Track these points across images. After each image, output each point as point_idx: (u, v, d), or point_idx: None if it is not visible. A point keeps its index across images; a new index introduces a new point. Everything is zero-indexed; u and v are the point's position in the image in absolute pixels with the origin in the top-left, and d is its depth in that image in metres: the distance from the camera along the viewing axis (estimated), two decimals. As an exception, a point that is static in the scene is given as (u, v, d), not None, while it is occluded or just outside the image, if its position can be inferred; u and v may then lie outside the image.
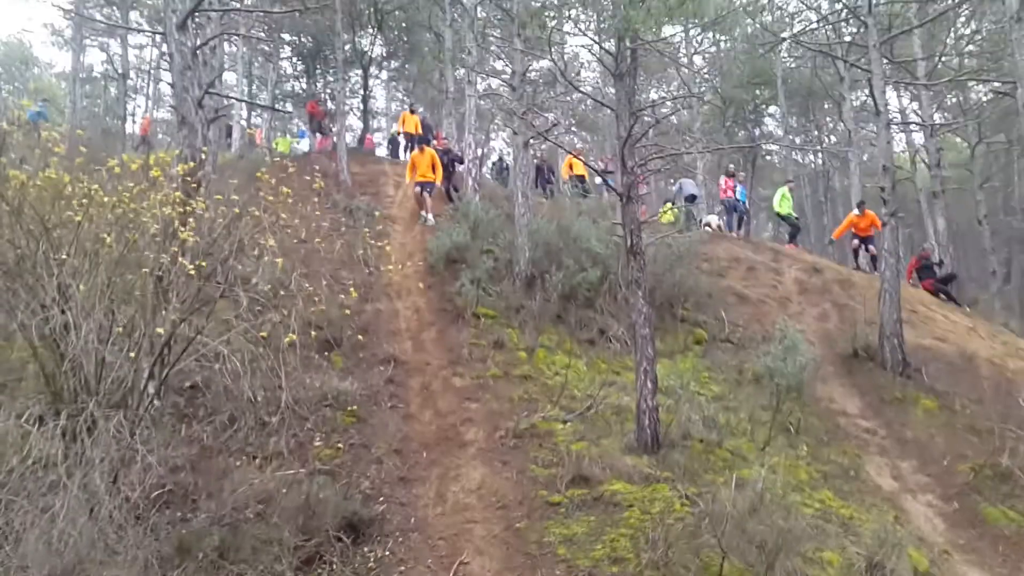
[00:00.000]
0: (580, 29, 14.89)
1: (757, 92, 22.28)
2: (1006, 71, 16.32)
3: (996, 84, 17.30)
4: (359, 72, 22.28)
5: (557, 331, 9.67)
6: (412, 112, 20.13)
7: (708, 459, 6.71)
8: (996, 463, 7.19)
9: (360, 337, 8.55)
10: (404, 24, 22.19)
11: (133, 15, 25.57)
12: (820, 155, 28.69)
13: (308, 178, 7.98)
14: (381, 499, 5.96)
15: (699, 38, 25.27)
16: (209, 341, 6.01)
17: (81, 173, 5.42)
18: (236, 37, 22.03)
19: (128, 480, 5.02)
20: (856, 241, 14.80)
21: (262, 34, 22.95)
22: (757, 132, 24.79)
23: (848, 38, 15.60)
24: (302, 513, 5.32)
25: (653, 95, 27.86)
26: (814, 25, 18.36)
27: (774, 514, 5.00)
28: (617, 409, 7.57)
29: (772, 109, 25.27)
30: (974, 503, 6.73)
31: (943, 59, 17.54)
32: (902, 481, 7.19)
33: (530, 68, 16.79)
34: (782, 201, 16.34)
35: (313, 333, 6.64)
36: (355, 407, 7.25)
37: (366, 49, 22.04)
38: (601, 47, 8.14)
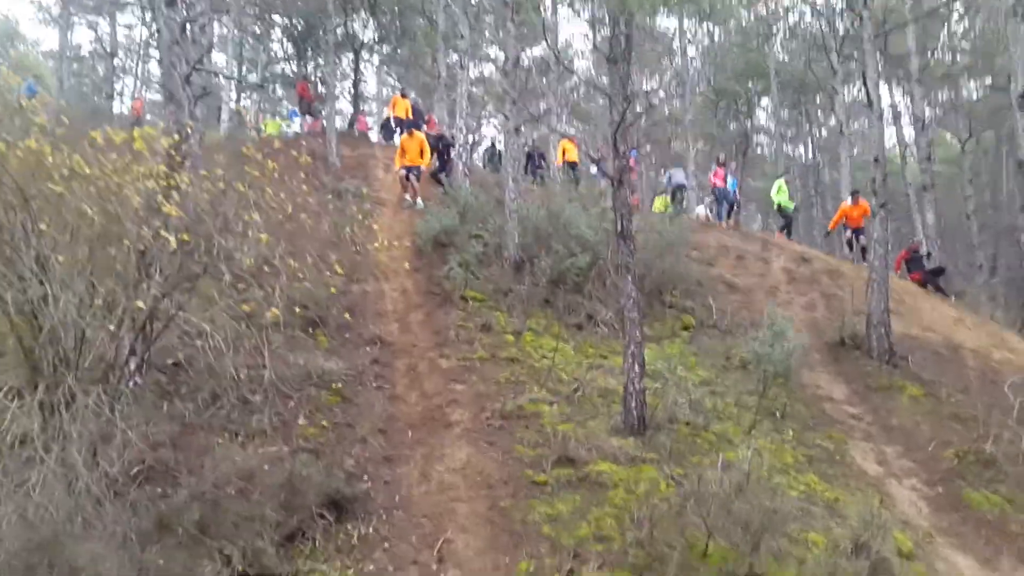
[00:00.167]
0: (575, 11, 14.77)
1: (750, 84, 22.26)
2: (998, 68, 16.40)
3: (988, 81, 17.38)
4: (350, 56, 22.07)
5: (545, 315, 9.63)
6: (403, 96, 19.96)
7: (694, 442, 6.70)
8: (980, 449, 7.22)
9: (347, 317, 8.49)
10: (397, 7, 21.98)
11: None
12: (810, 148, 28.76)
13: (295, 152, 7.89)
14: (365, 478, 5.91)
15: (693, 30, 25.29)
16: (192, 318, 5.93)
17: (63, 144, 5.31)
18: (227, 17, 21.82)
19: (107, 455, 4.95)
20: (848, 232, 14.80)
21: (251, 15, 22.69)
22: (749, 125, 24.77)
23: (842, 32, 15.61)
24: (284, 490, 5.27)
25: (647, 88, 27.84)
26: (809, 18, 18.38)
27: (760, 495, 4.99)
28: (604, 392, 7.55)
29: (764, 102, 25.33)
30: (958, 488, 6.75)
31: (935, 55, 17.58)
32: (887, 466, 7.21)
33: (523, 55, 16.67)
34: (779, 191, 16.40)
35: (297, 309, 6.56)
36: (340, 386, 7.19)
37: (358, 32, 21.84)
38: (596, 31, 8.08)
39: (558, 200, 12.00)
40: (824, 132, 30.05)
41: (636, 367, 6.70)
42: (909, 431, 7.91)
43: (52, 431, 4.86)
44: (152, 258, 5.73)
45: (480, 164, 20.73)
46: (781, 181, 16.73)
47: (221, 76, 19.01)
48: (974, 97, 22.85)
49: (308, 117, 21.30)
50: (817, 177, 28.72)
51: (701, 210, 17.44)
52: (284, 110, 29.57)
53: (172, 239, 5.52)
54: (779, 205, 16.62)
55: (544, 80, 23.06)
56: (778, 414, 7.75)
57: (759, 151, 32.15)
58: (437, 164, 14.73)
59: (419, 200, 13.20)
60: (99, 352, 5.53)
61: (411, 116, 18.78)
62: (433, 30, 17.09)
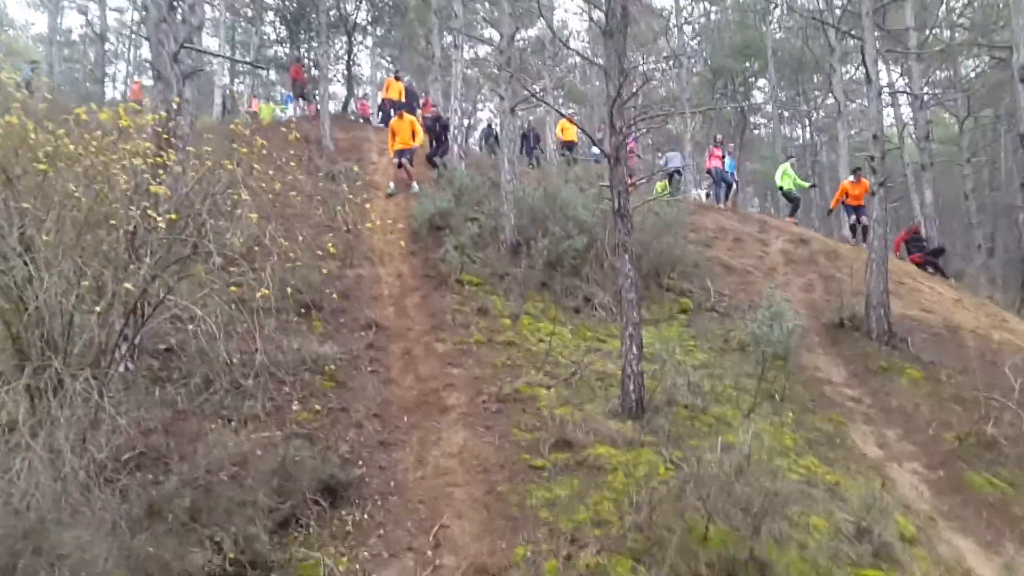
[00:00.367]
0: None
1: (747, 63, 22.06)
2: (998, 43, 16.23)
3: (988, 57, 17.21)
4: (343, 38, 21.79)
5: (542, 298, 9.54)
6: (397, 79, 19.72)
7: (693, 424, 6.63)
8: (981, 431, 7.15)
9: (341, 301, 8.38)
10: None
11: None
12: (808, 129, 28.57)
13: (284, 130, 7.75)
14: (360, 463, 5.83)
15: (689, 7, 25.02)
16: (183, 302, 5.81)
17: (46, 120, 5.17)
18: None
19: (96, 441, 4.85)
20: (851, 217, 14.47)
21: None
22: (746, 105, 24.58)
23: (839, 8, 15.41)
24: (278, 476, 5.19)
25: (643, 68, 27.57)
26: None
27: (760, 477, 4.91)
28: (602, 375, 7.48)
29: (761, 82, 25.12)
30: (959, 471, 6.69)
31: (934, 31, 17.38)
32: (887, 449, 7.14)
33: (518, 34, 16.41)
34: (784, 176, 15.90)
35: (289, 290, 6.45)
36: (335, 371, 7.10)
37: (351, 14, 21.55)
38: (591, 6, 7.92)
39: (554, 181, 11.87)
40: (822, 113, 29.86)
41: (634, 349, 6.61)
42: (909, 413, 7.84)
43: (40, 415, 4.76)
44: (141, 240, 5.60)
45: (477, 148, 20.55)
46: (787, 165, 16.16)
47: (212, 59, 18.70)
48: (972, 76, 22.67)
49: (301, 100, 21.06)
50: (815, 158, 28.58)
51: (698, 193, 17.23)
52: (278, 95, 29.28)
53: (160, 220, 5.39)
54: (784, 190, 16.11)
55: (540, 61, 22.82)
56: (777, 396, 7.67)
57: (756, 132, 31.97)
58: (433, 146, 14.55)
59: (414, 183, 13.04)
60: (89, 337, 5.42)
61: (405, 99, 18.55)
62: (427, 9, 16.84)
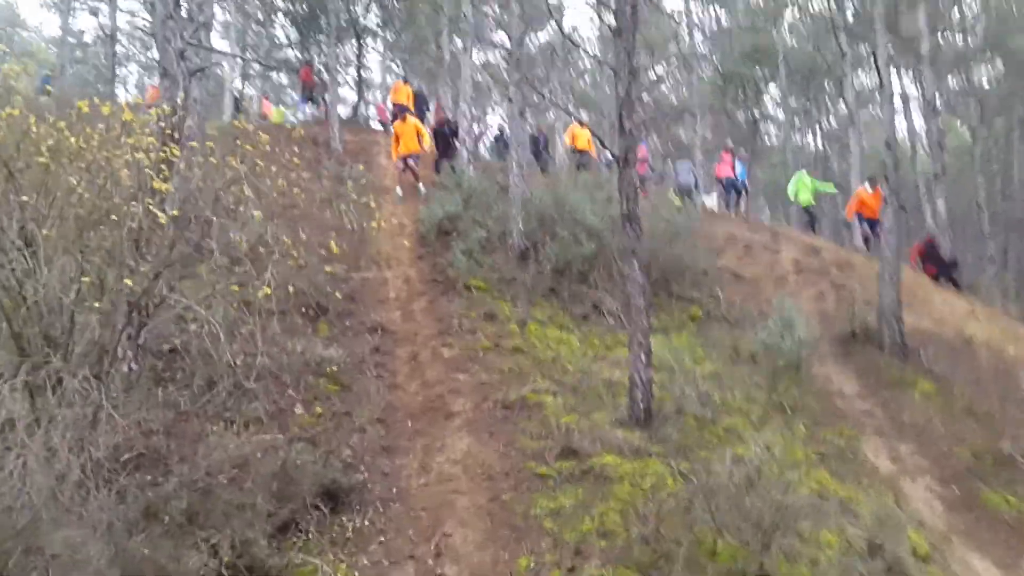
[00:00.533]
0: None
1: (757, 69, 21.90)
2: (1009, 51, 16.06)
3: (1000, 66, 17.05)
4: (353, 42, 21.80)
5: (550, 304, 9.42)
6: (405, 83, 19.67)
7: (702, 435, 6.50)
8: (997, 449, 7.00)
9: (347, 304, 8.30)
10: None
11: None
12: (819, 138, 28.39)
13: (288, 127, 7.68)
14: (362, 468, 5.74)
15: (699, 15, 24.94)
16: (187, 302, 5.74)
17: (47, 113, 5.11)
18: (229, 2, 21.57)
19: (94, 440, 4.77)
20: (864, 226, 13.74)
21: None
22: (756, 112, 24.40)
23: (851, 14, 15.30)
24: (278, 479, 5.11)
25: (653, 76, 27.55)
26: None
27: (771, 490, 4.78)
28: (609, 383, 7.34)
29: (772, 90, 24.97)
30: (974, 487, 6.54)
31: (947, 37, 17.22)
32: (900, 463, 7.00)
33: (527, 37, 16.37)
34: (800, 187, 15.24)
35: (291, 289, 6.35)
36: (339, 374, 7.01)
37: (361, 17, 21.55)
38: (601, 6, 7.84)
39: (563, 186, 11.77)
40: (833, 122, 29.66)
41: (642, 356, 6.49)
42: (922, 427, 7.69)
43: (38, 414, 4.69)
44: (144, 237, 5.54)
45: (487, 155, 20.47)
46: (802, 173, 15.56)
47: (223, 62, 18.72)
48: (985, 84, 22.48)
49: (311, 104, 21.05)
50: (826, 167, 28.38)
51: (709, 200, 16.97)
52: (289, 99, 29.30)
53: (163, 216, 5.33)
54: (803, 204, 15.46)
55: (550, 66, 22.78)
56: (788, 408, 7.53)
57: (767, 141, 31.79)
58: (440, 151, 14.45)
59: (420, 186, 12.97)
60: (88, 332, 5.34)
61: (414, 103, 18.48)
62: (437, 12, 16.81)
